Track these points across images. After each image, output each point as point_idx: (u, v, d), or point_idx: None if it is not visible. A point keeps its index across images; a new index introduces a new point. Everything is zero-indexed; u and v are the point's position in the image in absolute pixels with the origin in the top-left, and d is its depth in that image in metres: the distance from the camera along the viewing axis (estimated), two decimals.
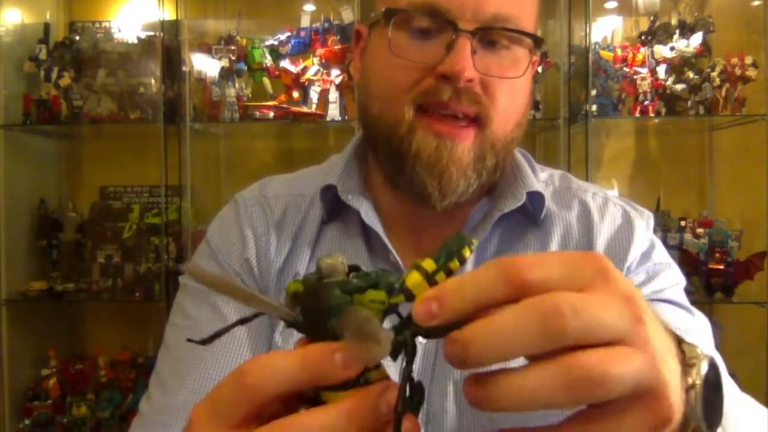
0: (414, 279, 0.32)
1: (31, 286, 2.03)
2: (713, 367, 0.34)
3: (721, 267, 1.92)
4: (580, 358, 0.29)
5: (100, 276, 2.08)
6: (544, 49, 2.10)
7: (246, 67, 2.05)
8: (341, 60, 2.02)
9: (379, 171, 0.71)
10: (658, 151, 2.25)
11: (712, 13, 2.04)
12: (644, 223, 0.73)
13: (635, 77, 1.98)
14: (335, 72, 2.02)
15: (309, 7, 2.10)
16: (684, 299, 0.70)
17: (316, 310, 0.32)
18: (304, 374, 0.31)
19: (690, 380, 0.33)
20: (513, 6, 0.62)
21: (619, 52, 2.02)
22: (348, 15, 2.02)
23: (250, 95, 2.07)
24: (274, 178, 0.80)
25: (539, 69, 2.02)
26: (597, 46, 2.01)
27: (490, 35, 0.62)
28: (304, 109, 2.02)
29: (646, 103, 1.96)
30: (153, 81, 2.05)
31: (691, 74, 1.97)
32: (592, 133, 1.93)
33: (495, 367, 0.30)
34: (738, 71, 1.91)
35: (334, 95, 2.01)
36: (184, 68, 2.04)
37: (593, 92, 1.93)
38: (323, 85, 2.02)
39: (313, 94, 2.03)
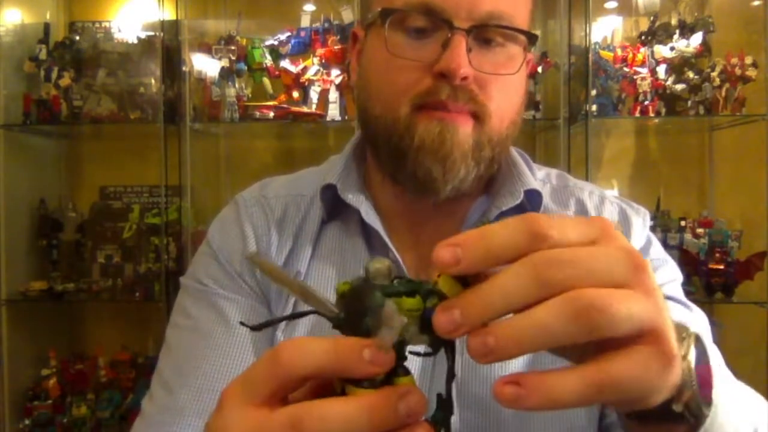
0: (446, 281, 0.33)
1: (31, 286, 2.03)
2: (700, 342, 0.37)
3: (721, 267, 1.92)
4: (586, 291, 0.30)
5: (100, 276, 2.08)
6: (544, 49, 2.11)
7: (246, 67, 2.05)
8: (341, 60, 2.02)
9: (378, 170, 0.72)
10: (658, 151, 2.25)
11: (712, 13, 2.04)
12: (640, 220, 0.74)
13: (635, 77, 1.98)
14: (335, 72, 2.02)
15: (309, 7, 2.10)
16: (681, 295, 0.71)
17: (355, 310, 0.33)
18: (334, 361, 0.32)
19: (683, 351, 0.35)
20: (508, 4, 0.63)
21: (619, 52, 2.02)
22: (348, 15, 2.02)
23: (250, 95, 2.07)
24: (273, 179, 0.80)
25: (539, 69, 2.02)
26: (597, 46, 2.01)
27: (486, 33, 0.63)
28: (304, 109, 2.02)
29: (646, 103, 1.96)
30: (153, 81, 2.06)
31: (691, 74, 1.97)
32: (592, 133, 1.94)
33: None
34: (738, 71, 1.91)
35: (334, 95, 2.01)
36: (184, 68, 2.04)
37: (593, 92, 1.94)
38: (323, 85, 2.02)
39: (313, 94, 2.03)
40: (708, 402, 0.38)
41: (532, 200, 0.71)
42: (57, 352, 2.10)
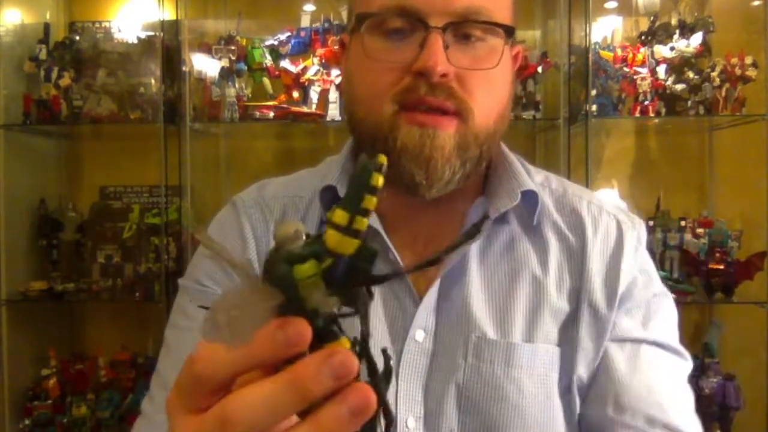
0: (333, 238, 0.30)
1: (31, 286, 2.03)
2: None
3: (721, 267, 1.92)
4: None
5: (100, 276, 2.08)
6: (544, 49, 2.11)
7: (246, 67, 2.05)
8: (341, 60, 2.02)
9: None
10: (658, 151, 2.25)
11: (712, 13, 2.04)
12: (635, 234, 0.74)
13: (635, 77, 1.97)
14: (335, 72, 2.01)
15: (309, 7, 2.10)
16: (675, 339, 0.73)
17: (272, 283, 0.31)
18: (250, 357, 0.31)
19: None
20: None
21: (619, 52, 2.02)
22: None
23: (250, 95, 2.07)
24: (270, 181, 0.81)
25: (539, 69, 2.02)
26: (597, 46, 2.01)
27: (463, 29, 0.64)
28: (304, 109, 2.02)
29: (646, 103, 1.96)
30: (153, 81, 2.05)
31: (691, 74, 1.97)
32: (592, 133, 1.93)
33: None
34: (738, 71, 1.91)
35: (334, 95, 2.01)
36: (184, 68, 2.04)
37: (593, 92, 1.93)
38: (323, 85, 2.02)
39: (313, 94, 2.03)
40: None
41: (529, 202, 0.72)
42: (57, 352, 2.09)
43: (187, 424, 0.32)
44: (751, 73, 1.90)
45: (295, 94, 2.03)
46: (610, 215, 0.75)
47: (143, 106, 2.05)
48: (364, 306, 0.32)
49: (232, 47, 2.04)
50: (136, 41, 2.12)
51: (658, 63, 1.98)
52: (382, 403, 0.32)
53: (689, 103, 1.96)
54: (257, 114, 2.02)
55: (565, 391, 0.69)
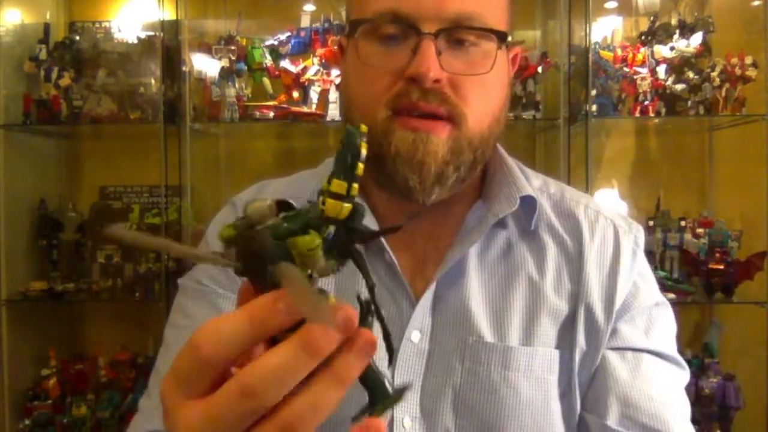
0: (332, 207, 0.32)
1: (31, 286, 2.03)
2: None
3: (721, 267, 1.92)
4: None
5: (100, 276, 2.08)
6: (544, 49, 2.11)
7: (246, 67, 2.05)
8: (340, 62, 2.02)
9: (368, 174, 0.72)
10: (658, 151, 2.25)
11: (712, 13, 2.04)
12: (632, 238, 0.75)
13: (635, 77, 1.97)
14: (335, 72, 2.01)
15: (309, 7, 2.10)
16: (673, 349, 0.73)
17: (252, 258, 0.32)
18: (254, 330, 0.32)
19: None
20: (476, 3, 0.64)
21: (619, 52, 2.02)
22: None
23: (250, 95, 2.07)
24: (270, 182, 0.81)
25: (539, 69, 2.02)
26: (597, 46, 2.01)
27: (456, 34, 0.64)
28: (304, 109, 2.02)
29: (646, 103, 1.96)
30: (153, 81, 2.05)
31: (691, 74, 1.97)
32: (592, 133, 1.93)
33: None
34: (738, 71, 1.91)
35: (334, 95, 2.01)
36: (184, 68, 2.04)
37: (593, 92, 1.93)
38: (323, 85, 2.02)
39: (313, 94, 2.02)
40: None
41: (527, 205, 0.72)
42: (57, 352, 2.09)
43: (191, 410, 0.32)
44: (751, 73, 1.90)
45: (295, 94, 2.03)
46: (607, 220, 0.75)
47: (143, 106, 2.05)
48: (363, 261, 0.34)
49: (232, 47, 2.04)
50: (136, 41, 2.12)
51: (658, 63, 1.98)
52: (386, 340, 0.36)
53: (689, 103, 1.96)
54: (257, 114, 2.02)
55: (564, 394, 0.69)
